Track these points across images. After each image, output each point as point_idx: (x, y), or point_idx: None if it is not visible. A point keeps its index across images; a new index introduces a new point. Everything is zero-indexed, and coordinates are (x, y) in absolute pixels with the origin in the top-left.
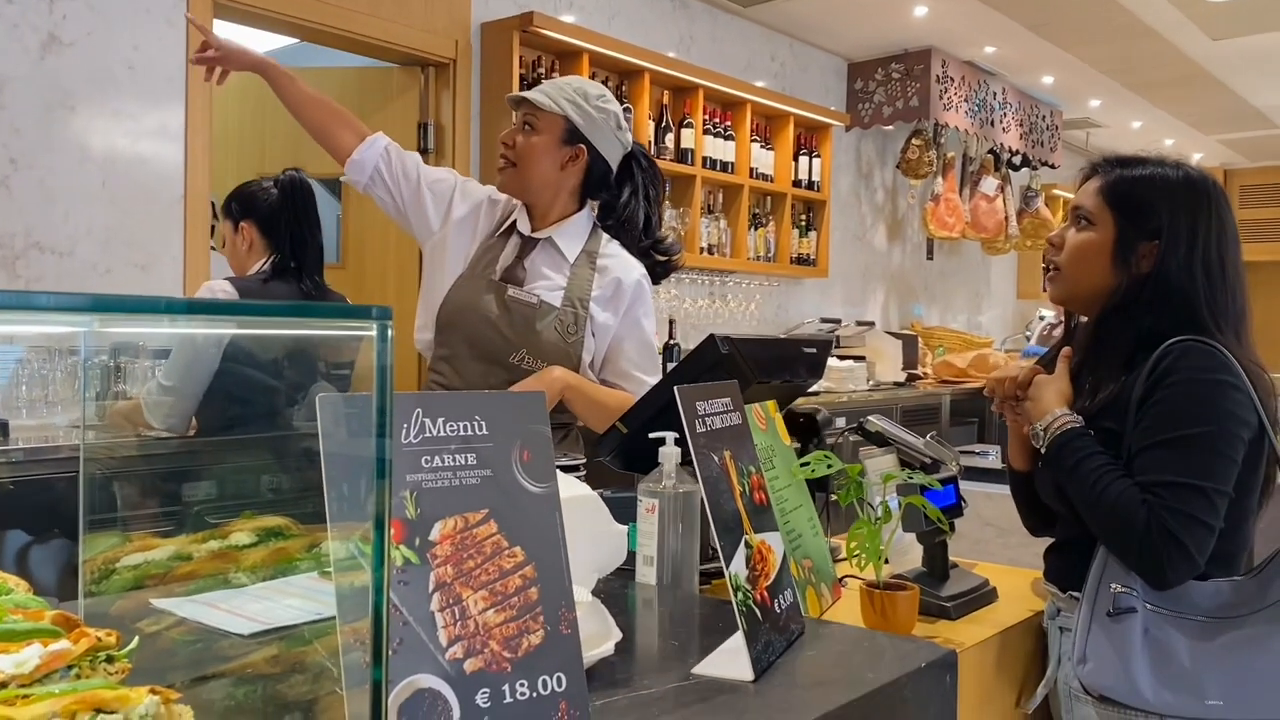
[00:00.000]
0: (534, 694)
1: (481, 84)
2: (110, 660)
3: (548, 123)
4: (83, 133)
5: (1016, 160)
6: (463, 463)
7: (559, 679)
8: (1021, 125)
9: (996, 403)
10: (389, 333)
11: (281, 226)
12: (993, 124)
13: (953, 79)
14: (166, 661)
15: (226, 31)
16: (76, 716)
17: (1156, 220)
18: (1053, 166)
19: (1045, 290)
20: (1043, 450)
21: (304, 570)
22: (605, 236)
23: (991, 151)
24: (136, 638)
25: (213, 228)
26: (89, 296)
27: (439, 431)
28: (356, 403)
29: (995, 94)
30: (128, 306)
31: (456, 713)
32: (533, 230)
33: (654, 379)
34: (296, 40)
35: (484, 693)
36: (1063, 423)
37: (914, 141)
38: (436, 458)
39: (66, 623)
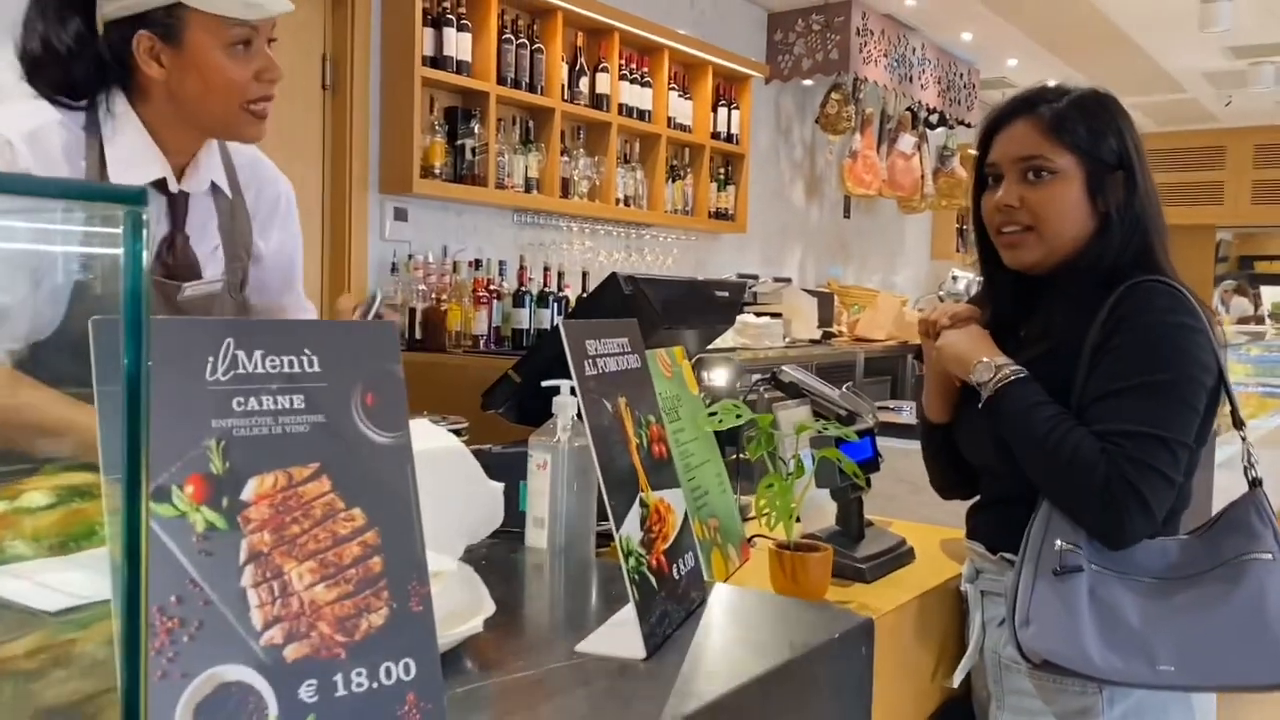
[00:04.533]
0: (374, 684)
1: (383, 18)
2: None
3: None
4: None
5: (934, 119)
6: (287, 406)
7: (406, 665)
8: (940, 83)
9: (926, 342)
10: (144, 224)
11: None
12: (911, 80)
13: (873, 32)
14: None
15: None
16: None
17: (1112, 146)
18: (969, 126)
19: (1006, 258)
20: (987, 393)
21: (102, 538)
22: (221, 143)
23: (909, 109)
24: None
25: None
26: None
27: (256, 367)
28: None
29: (915, 49)
30: None
31: (273, 709)
32: (180, 181)
33: (294, 299)
34: None
35: (310, 684)
36: (1011, 370)
37: (833, 96)
38: (252, 399)
39: None
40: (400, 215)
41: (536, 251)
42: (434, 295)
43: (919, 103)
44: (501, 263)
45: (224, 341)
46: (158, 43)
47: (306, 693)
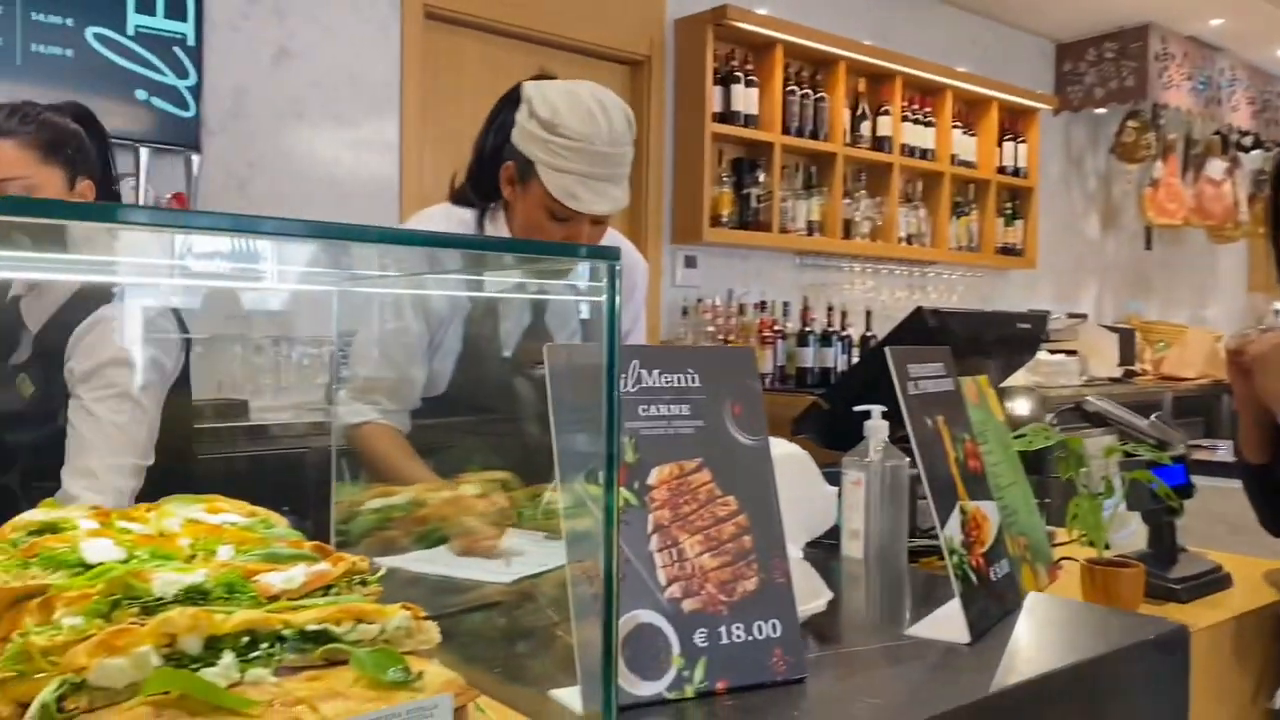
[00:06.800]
0: (750, 637)
1: (676, 80)
2: (364, 583)
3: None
4: (310, 139)
5: (1247, 141)
6: (678, 412)
7: (774, 625)
8: (1253, 103)
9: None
10: (617, 273)
11: (111, 182)
12: (1220, 103)
13: (1173, 56)
14: (407, 593)
15: (432, 33)
16: (341, 624)
17: None
18: None
19: None
20: None
21: (526, 519)
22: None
23: (1218, 132)
24: (384, 567)
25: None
26: (329, 225)
27: (655, 382)
28: (583, 351)
29: (1222, 70)
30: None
31: (676, 648)
32: None
33: None
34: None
35: (702, 632)
36: None
37: (1130, 124)
38: (653, 407)
39: (323, 552)
40: (690, 263)
41: (819, 292)
42: (721, 336)
43: (1229, 126)
44: (785, 304)
45: (632, 363)
46: (515, 174)
47: (699, 638)
